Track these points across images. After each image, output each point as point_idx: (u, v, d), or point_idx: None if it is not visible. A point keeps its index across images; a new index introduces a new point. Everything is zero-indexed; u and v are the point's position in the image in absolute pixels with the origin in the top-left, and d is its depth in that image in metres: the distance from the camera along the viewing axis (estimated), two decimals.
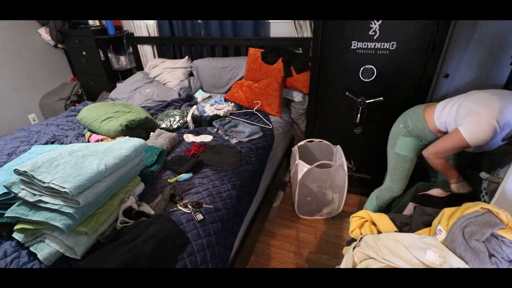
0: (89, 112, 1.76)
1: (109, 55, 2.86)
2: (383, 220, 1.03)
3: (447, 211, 0.91)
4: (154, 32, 2.77)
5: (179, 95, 2.47)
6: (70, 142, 1.76)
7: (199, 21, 2.55)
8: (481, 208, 0.83)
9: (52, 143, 1.76)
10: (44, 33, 2.86)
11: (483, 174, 1.35)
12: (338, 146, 1.93)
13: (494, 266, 0.74)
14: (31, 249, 0.92)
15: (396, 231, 0.98)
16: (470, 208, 0.85)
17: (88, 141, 1.67)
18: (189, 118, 1.89)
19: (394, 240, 0.88)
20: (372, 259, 0.87)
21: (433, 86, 1.79)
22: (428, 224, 0.97)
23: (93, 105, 1.87)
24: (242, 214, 1.35)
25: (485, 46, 1.58)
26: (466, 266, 0.77)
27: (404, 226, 1.05)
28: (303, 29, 2.14)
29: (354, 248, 0.96)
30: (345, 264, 0.93)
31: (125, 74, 3.05)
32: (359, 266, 0.89)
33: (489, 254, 0.76)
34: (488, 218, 0.79)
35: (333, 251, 1.71)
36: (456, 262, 0.78)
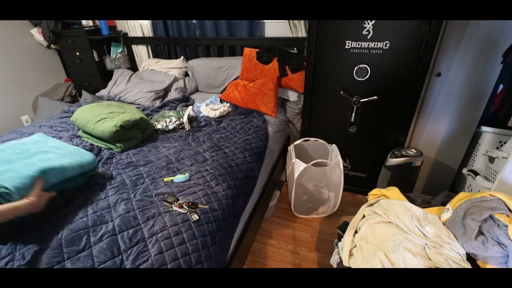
0: (83, 113, 1.74)
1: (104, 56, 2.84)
2: (392, 191, 1.20)
3: (462, 194, 0.99)
4: (148, 32, 2.75)
5: (170, 85, 2.54)
6: None
7: (194, 21, 2.55)
8: (490, 194, 0.89)
9: None
10: (36, 33, 2.83)
11: (464, 170, 1.40)
12: (334, 145, 1.95)
13: (479, 243, 0.81)
14: None
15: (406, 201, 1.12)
16: (479, 194, 0.92)
17: None
18: (185, 119, 1.89)
19: (404, 207, 1.02)
20: (378, 216, 1.04)
21: (426, 85, 1.82)
22: (444, 205, 1.06)
23: (87, 106, 1.85)
24: (238, 214, 1.35)
25: (476, 45, 1.61)
26: (455, 242, 0.86)
27: (425, 203, 1.16)
28: (298, 29, 2.15)
29: (369, 206, 1.16)
30: (356, 216, 1.12)
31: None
32: (364, 221, 1.07)
33: (480, 233, 0.83)
34: (493, 203, 0.84)
35: (330, 249, 1.72)
36: (447, 238, 0.87)
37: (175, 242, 0.99)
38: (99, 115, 1.68)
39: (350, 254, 1.00)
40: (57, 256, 0.93)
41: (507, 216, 0.81)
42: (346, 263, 0.98)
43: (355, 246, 1.01)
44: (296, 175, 1.77)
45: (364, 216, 1.10)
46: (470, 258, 0.85)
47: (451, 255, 0.82)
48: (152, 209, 1.11)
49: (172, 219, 1.07)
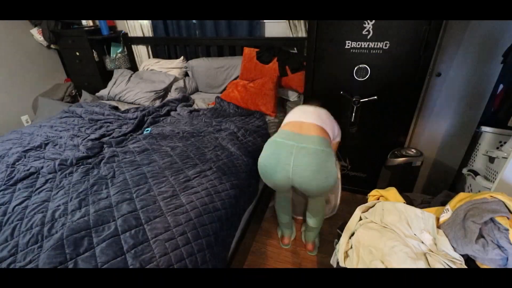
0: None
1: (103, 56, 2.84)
2: (390, 191, 1.19)
3: (461, 195, 0.98)
4: (148, 32, 2.75)
5: (170, 85, 2.54)
6: (65, 144, 1.75)
7: (194, 21, 2.55)
8: (490, 196, 0.88)
9: (46, 145, 1.74)
10: (36, 33, 2.83)
11: (464, 170, 1.39)
12: None
13: (479, 246, 0.80)
14: None
15: (404, 202, 1.11)
16: (480, 195, 0.90)
17: None
18: None
19: (400, 211, 1.01)
20: (372, 223, 1.03)
21: (426, 85, 1.82)
22: (444, 205, 1.04)
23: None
24: (241, 214, 1.35)
25: (476, 45, 1.61)
26: (451, 249, 0.85)
27: (425, 203, 1.15)
28: (298, 29, 2.15)
29: (365, 209, 1.15)
30: (352, 219, 1.12)
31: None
32: (361, 223, 1.07)
33: (480, 236, 0.82)
34: (494, 206, 0.83)
35: (330, 249, 1.72)
36: (441, 246, 0.87)
37: (180, 242, 1.00)
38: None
39: (346, 255, 1.01)
40: (59, 256, 0.92)
41: (508, 218, 0.80)
42: (342, 264, 0.98)
43: (351, 247, 1.01)
44: None
45: (361, 219, 1.10)
46: (469, 259, 0.84)
47: (448, 263, 0.82)
48: (155, 210, 1.11)
49: (176, 219, 1.07)
